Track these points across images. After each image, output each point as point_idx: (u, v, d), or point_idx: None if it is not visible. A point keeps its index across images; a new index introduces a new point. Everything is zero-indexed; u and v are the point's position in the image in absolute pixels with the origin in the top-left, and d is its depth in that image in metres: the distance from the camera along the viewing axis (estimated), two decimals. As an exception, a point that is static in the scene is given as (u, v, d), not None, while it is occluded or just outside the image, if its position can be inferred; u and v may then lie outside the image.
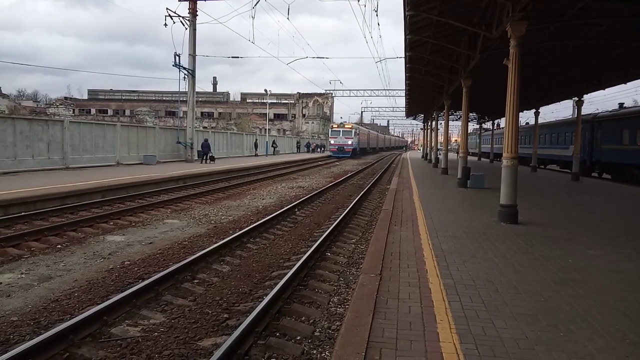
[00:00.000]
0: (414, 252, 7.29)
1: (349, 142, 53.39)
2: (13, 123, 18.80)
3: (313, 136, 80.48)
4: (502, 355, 3.83)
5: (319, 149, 68.89)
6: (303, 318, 5.48)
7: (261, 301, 5.54)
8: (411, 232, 8.90)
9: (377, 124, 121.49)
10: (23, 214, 11.13)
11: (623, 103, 31.13)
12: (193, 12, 29.43)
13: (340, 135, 53.94)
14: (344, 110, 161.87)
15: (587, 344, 4.04)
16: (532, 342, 4.07)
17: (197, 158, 30.96)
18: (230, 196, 16.40)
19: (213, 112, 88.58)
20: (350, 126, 56.92)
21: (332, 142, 55.28)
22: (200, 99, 68.82)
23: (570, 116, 39.91)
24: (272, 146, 50.68)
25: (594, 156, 27.62)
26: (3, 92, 69.45)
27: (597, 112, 30.44)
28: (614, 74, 20.35)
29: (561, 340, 4.11)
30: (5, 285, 6.40)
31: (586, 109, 28.81)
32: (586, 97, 24.59)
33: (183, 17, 28.98)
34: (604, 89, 23.36)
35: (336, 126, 57.08)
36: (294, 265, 7.08)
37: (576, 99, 24.70)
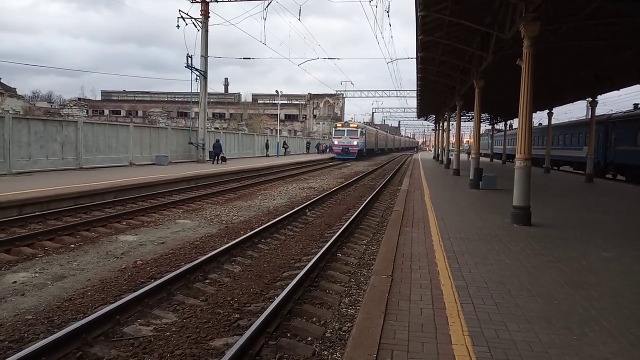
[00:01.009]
0: (425, 253, 7.25)
1: (354, 143, 48.79)
2: (28, 124, 19.05)
3: (324, 137, 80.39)
4: (515, 358, 3.79)
5: (328, 150, 68.43)
6: (314, 319, 5.48)
7: (272, 301, 5.55)
8: (423, 233, 8.86)
9: (388, 125, 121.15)
10: (37, 213, 11.26)
11: (638, 104, 30.71)
12: (205, 13, 29.61)
13: (345, 135, 49.19)
14: (355, 111, 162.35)
15: (602, 348, 3.99)
16: (545, 345, 4.03)
17: (208, 159, 31.11)
18: (241, 197, 16.46)
19: (224, 113, 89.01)
20: (355, 125, 51.88)
21: (335, 142, 50.49)
22: (211, 100, 69.29)
23: (584, 117, 39.50)
24: (283, 147, 50.75)
25: (608, 157, 27.29)
26: (18, 93, 70.35)
27: (611, 112, 30.07)
28: (628, 75, 20.11)
29: (575, 344, 4.06)
30: (19, 284, 6.48)
31: (600, 110, 28.55)
32: (600, 98, 24.36)
33: (195, 19, 29.17)
34: (618, 90, 23.12)
35: (340, 125, 52.03)
36: (305, 265, 7.08)
37: (590, 99, 24.44)
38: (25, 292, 6.18)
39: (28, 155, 18.76)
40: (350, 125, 51.49)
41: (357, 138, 49.18)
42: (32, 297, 6.01)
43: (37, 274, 6.97)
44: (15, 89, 71.29)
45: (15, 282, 6.58)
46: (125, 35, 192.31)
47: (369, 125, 67.51)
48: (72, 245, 8.74)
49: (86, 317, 5.05)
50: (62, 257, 7.98)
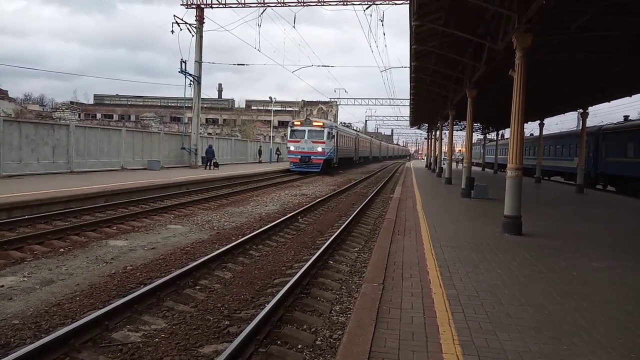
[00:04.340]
0: (417, 261, 7.26)
1: (319, 149, 33.78)
2: (19, 126, 18.93)
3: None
4: (505, 367, 3.79)
5: None
6: (305, 326, 5.45)
7: (263, 308, 5.52)
8: (414, 241, 8.87)
9: (381, 133, 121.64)
10: (27, 217, 11.16)
11: (628, 116, 31.09)
12: (200, 19, 29.71)
13: (305, 137, 34.05)
14: (349, 119, 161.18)
15: (591, 358, 4.00)
16: (535, 355, 4.04)
17: (201, 164, 31.06)
18: (233, 203, 16.41)
19: (218, 119, 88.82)
20: (320, 123, 35.63)
21: (291, 148, 34.70)
22: (205, 106, 69.14)
23: (575, 128, 39.88)
24: (276, 153, 50.65)
25: (598, 168, 27.54)
26: (10, 95, 69.89)
27: (601, 124, 30.39)
28: (619, 87, 20.34)
29: (565, 354, 4.07)
30: (7, 288, 6.40)
31: (591, 121, 28.85)
32: (591, 109, 24.64)
33: (190, 24, 29.23)
34: (609, 102, 23.40)
35: (299, 123, 35.88)
36: (297, 272, 7.06)
37: (581, 110, 24.69)
38: (13, 297, 6.10)
39: (19, 159, 18.63)
40: (314, 123, 35.58)
41: (323, 142, 34.14)
42: (19, 302, 5.93)
43: (25, 278, 6.89)
44: (7, 91, 70.71)
45: (2, 286, 6.49)
46: (117, 39, 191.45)
47: (347, 127, 52.08)
48: (62, 250, 8.66)
49: (74, 322, 4.99)
50: (51, 261, 7.90)
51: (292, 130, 35.42)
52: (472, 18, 13.10)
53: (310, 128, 34.40)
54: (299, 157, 33.80)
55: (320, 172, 33.80)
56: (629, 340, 4.42)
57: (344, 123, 55.00)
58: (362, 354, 3.93)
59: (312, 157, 33.71)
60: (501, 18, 11.39)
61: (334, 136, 36.01)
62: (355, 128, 57.58)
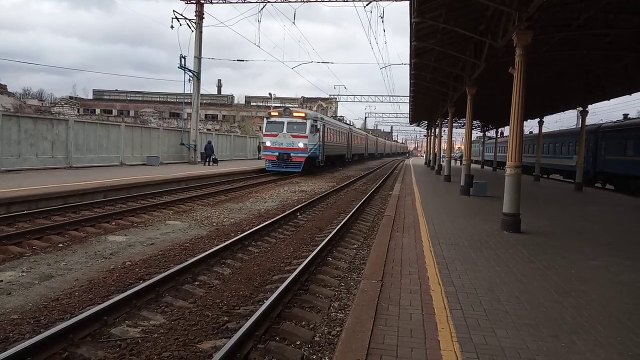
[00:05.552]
0: (415, 259, 7.26)
1: (300, 145, 28.17)
2: (18, 121, 18.89)
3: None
4: (503, 364, 3.80)
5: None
6: (303, 323, 5.46)
7: (262, 305, 5.52)
8: (413, 238, 8.88)
9: (380, 130, 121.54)
10: (25, 212, 11.15)
11: (627, 114, 31.09)
12: (199, 14, 29.63)
13: (284, 130, 28.42)
14: (348, 115, 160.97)
15: (589, 356, 4.01)
16: (533, 352, 4.05)
17: (200, 160, 31.03)
18: (232, 199, 16.41)
19: (217, 115, 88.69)
20: (302, 114, 29.41)
21: (267, 143, 28.98)
22: (204, 102, 69.05)
23: (575, 126, 39.88)
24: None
25: (597, 166, 27.57)
26: (8, 90, 69.79)
27: (601, 122, 30.41)
28: (619, 85, 20.33)
29: (563, 351, 4.08)
30: (6, 283, 6.40)
31: (590, 119, 28.86)
32: (590, 108, 24.63)
33: (189, 20, 29.17)
34: (608, 100, 23.43)
35: (276, 114, 29.37)
36: (295, 269, 7.05)
37: (580, 109, 24.68)
38: (12, 292, 6.10)
39: (17, 153, 18.61)
40: (294, 113, 29.29)
41: (305, 137, 28.36)
42: (18, 297, 5.93)
43: (24, 273, 6.89)
44: (5, 86, 70.71)
45: (1, 281, 6.50)
46: (116, 35, 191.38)
47: (339, 120, 45.07)
48: (61, 245, 8.66)
49: (73, 317, 5.00)
50: (50, 256, 7.90)
51: (268, 122, 29.37)
52: (473, 15, 13.08)
53: (289, 119, 28.57)
54: (276, 154, 28.36)
55: (301, 172, 28.52)
56: (627, 338, 4.43)
57: (362, 128, 48.29)
58: (361, 351, 3.93)
59: (291, 154, 28.17)
60: (502, 15, 11.37)
61: (319, 129, 30.19)
62: (348, 122, 51.02)
